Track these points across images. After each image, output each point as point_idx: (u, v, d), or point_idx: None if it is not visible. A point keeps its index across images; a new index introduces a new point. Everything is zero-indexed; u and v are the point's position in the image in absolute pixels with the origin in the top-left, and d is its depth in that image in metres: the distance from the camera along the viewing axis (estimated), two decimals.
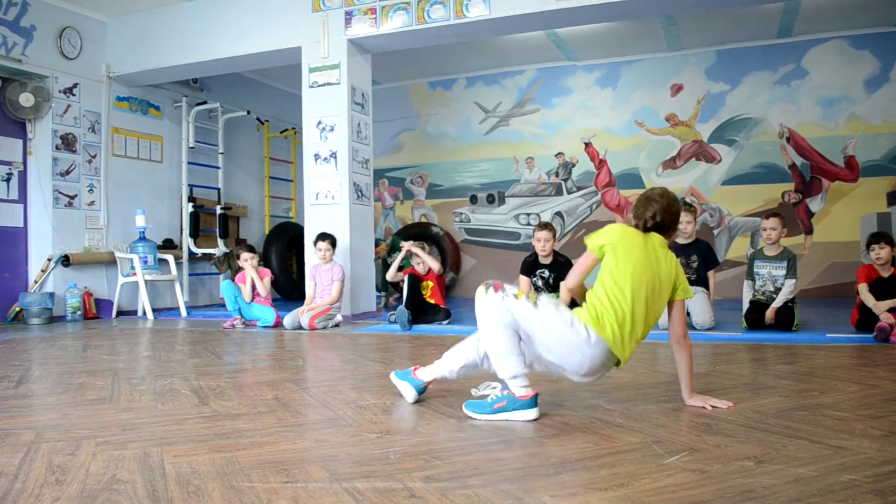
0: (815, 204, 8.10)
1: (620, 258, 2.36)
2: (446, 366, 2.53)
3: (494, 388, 2.49)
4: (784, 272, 4.89)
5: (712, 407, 2.37)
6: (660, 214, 2.44)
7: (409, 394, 2.57)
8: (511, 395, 2.30)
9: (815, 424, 2.12)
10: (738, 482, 1.59)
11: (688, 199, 8.37)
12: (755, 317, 4.84)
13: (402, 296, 5.89)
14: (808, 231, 8.09)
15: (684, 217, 5.20)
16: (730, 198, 8.41)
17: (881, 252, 4.52)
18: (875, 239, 4.58)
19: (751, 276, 5.06)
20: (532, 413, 2.28)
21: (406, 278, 5.76)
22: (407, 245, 6.12)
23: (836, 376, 3.01)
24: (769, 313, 4.74)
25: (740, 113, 8.40)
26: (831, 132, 8.05)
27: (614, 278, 2.34)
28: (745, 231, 8.32)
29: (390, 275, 6.11)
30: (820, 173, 8.09)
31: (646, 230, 2.46)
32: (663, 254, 2.43)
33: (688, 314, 5.00)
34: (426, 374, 2.59)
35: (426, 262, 6.00)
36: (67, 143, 6.89)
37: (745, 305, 4.99)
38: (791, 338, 4.40)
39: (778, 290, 4.86)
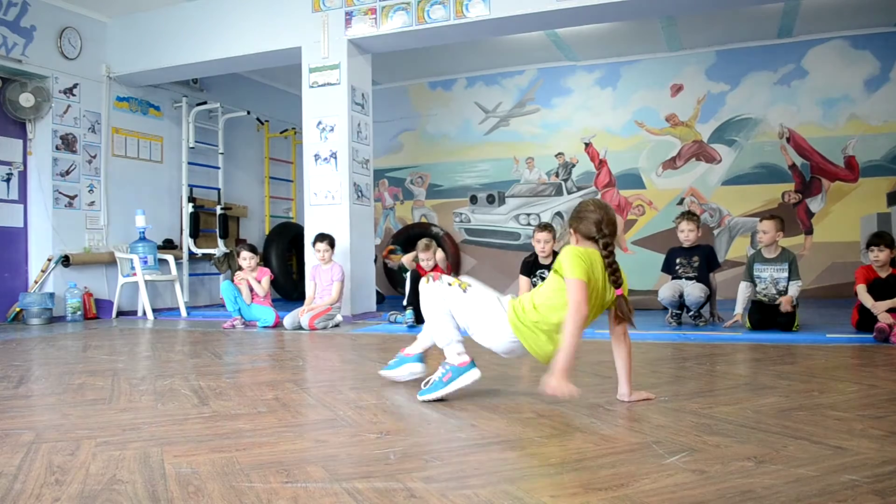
0: (815, 204, 8.11)
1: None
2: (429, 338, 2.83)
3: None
4: (786, 274, 4.89)
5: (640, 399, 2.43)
6: (607, 226, 2.49)
7: (416, 368, 2.90)
8: (452, 366, 2.57)
9: (816, 424, 2.12)
10: (738, 482, 1.59)
11: (689, 207, 8.37)
12: (759, 317, 4.83)
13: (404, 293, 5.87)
14: (809, 231, 8.09)
15: (686, 226, 5.38)
16: (730, 198, 8.42)
17: (880, 254, 4.51)
18: (875, 240, 4.57)
19: (750, 278, 5.05)
20: (475, 373, 2.57)
21: (408, 275, 5.75)
22: (409, 258, 5.92)
23: (836, 376, 3.01)
24: (785, 302, 4.68)
25: (740, 113, 8.40)
26: (831, 132, 8.05)
27: (560, 302, 2.43)
28: (744, 231, 8.32)
29: (408, 260, 5.89)
30: (820, 173, 8.10)
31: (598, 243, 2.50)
32: (600, 264, 2.47)
33: (681, 296, 5.18)
34: (415, 347, 2.91)
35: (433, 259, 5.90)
36: (67, 143, 6.89)
37: (740, 305, 4.98)
38: (791, 338, 4.40)
39: (780, 293, 4.86)
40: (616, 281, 2.45)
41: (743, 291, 5.02)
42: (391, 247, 8.60)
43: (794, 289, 4.81)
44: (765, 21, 7.62)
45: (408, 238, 9.11)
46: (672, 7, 6.29)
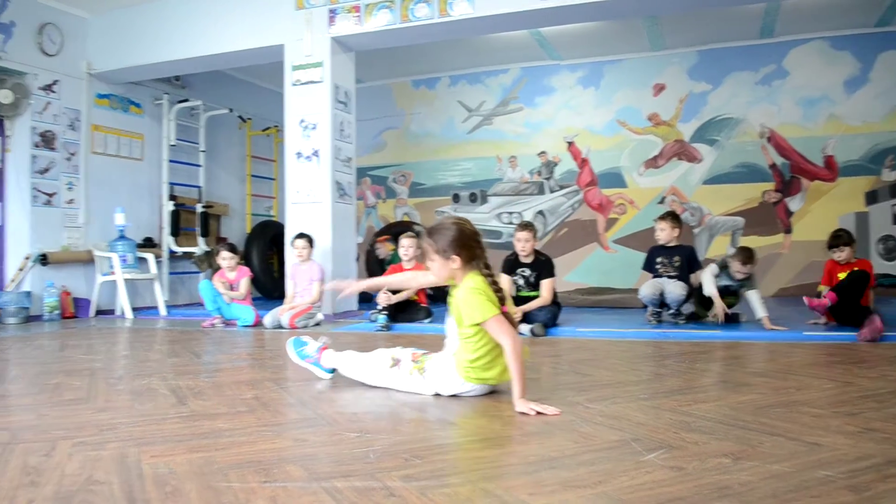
0: (794, 203, 8.18)
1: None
2: (349, 369, 2.87)
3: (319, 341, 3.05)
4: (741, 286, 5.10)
5: (537, 413, 2.27)
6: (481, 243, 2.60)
7: (318, 372, 3.01)
8: (316, 361, 2.98)
9: (792, 421, 2.14)
10: (715, 479, 1.60)
11: (670, 206, 8.42)
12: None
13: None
14: (788, 230, 8.16)
15: (658, 224, 5.49)
16: (711, 197, 8.48)
17: (841, 255, 4.85)
18: (834, 242, 4.90)
19: (721, 269, 5.14)
20: (324, 376, 2.98)
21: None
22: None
23: (812, 374, 3.04)
24: (766, 323, 4.75)
25: (722, 113, 8.46)
26: (811, 132, 8.12)
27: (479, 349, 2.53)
28: (725, 230, 8.38)
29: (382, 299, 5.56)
30: (800, 173, 8.17)
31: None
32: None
33: (661, 294, 5.22)
34: (329, 360, 2.96)
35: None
36: (46, 140, 6.82)
37: (712, 290, 4.99)
38: (768, 336, 4.44)
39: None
40: (501, 299, 2.51)
41: (711, 276, 5.04)
42: (386, 236, 8.51)
43: (756, 298, 4.89)
44: (746, 21, 7.68)
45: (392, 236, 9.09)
46: (655, 6, 6.31)
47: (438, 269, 2.57)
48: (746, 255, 4.96)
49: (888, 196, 7.34)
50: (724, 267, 5.09)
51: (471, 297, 2.45)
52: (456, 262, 2.52)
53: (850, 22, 7.72)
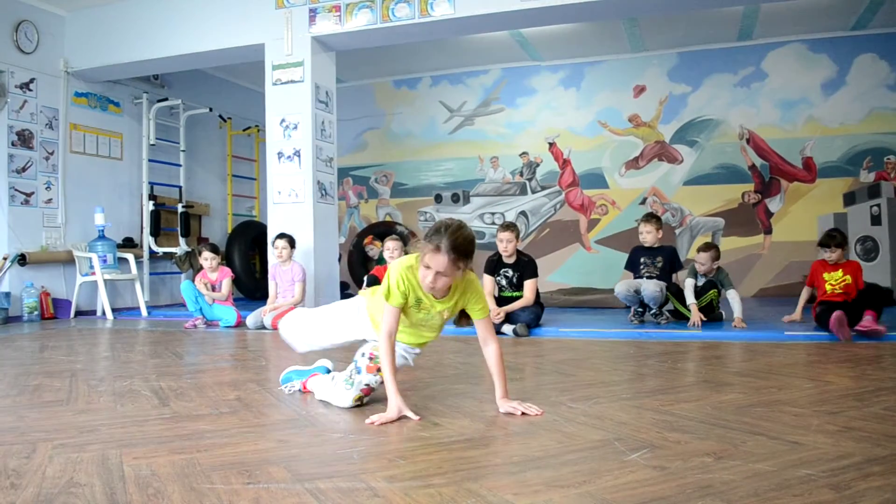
0: (774, 204, 8.25)
1: None
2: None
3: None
4: (721, 287, 5.28)
5: (522, 413, 2.29)
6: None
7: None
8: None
9: (773, 420, 2.16)
10: (697, 478, 1.61)
11: (651, 207, 8.48)
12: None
13: None
14: (768, 231, 8.24)
15: (644, 227, 5.58)
16: (691, 198, 8.53)
17: (832, 255, 4.78)
18: (826, 241, 4.83)
19: (692, 276, 5.31)
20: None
21: (365, 280, 5.72)
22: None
23: (793, 373, 3.07)
24: (737, 322, 4.88)
25: (701, 114, 8.52)
26: (790, 134, 8.20)
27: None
28: (705, 231, 8.44)
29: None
30: (779, 174, 8.25)
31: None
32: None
33: (637, 292, 5.32)
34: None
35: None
36: (24, 139, 6.73)
37: (689, 300, 5.16)
38: (749, 336, 4.48)
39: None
40: None
41: (690, 284, 5.24)
42: (371, 236, 8.62)
43: (734, 297, 5.10)
44: (725, 24, 7.73)
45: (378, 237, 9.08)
46: (635, 8, 6.34)
47: (446, 284, 2.34)
48: (705, 246, 5.26)
49: (866, 197, 7.44)
50: (694, 272, 5.30)
51: (481, 293, 2.52)
52: (466, 271, 2.39)
53: (826, 25, 7.80)
